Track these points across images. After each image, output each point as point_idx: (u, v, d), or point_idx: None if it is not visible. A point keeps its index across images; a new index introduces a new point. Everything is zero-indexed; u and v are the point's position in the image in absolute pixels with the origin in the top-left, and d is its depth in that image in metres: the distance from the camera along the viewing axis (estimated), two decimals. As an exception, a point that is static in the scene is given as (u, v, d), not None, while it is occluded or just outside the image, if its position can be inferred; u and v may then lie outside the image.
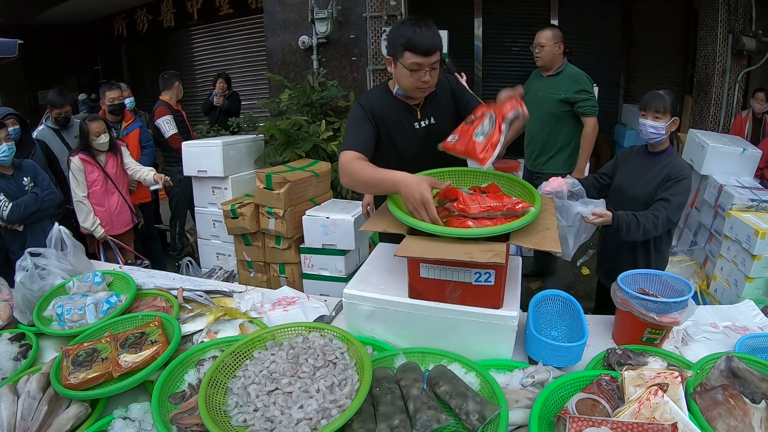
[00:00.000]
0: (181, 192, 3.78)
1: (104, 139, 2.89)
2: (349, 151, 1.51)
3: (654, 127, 1.84)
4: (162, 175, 3.09)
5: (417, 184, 1.25)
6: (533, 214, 1.24)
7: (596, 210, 1.71)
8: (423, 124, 1.68)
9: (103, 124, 2.91)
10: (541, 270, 3.44)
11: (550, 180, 1.78)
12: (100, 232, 2.93)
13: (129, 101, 3.89)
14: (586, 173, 2.98)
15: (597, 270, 2.22)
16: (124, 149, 3.12)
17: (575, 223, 1.73)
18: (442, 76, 1.71)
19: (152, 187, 3.05)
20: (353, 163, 1.47)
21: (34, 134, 3.23)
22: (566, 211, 1.72)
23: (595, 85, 4.31)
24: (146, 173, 3.06)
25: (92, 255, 2.46)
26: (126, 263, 2.62)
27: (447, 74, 1.78)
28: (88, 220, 2.90)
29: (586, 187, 1.90)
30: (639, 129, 1.90)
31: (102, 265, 2.06)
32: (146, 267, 2.35)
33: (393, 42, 1.52)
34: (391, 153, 1.70)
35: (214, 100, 4.49)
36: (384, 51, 4.08)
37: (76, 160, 2.85)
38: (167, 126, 3.62)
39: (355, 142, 1.55)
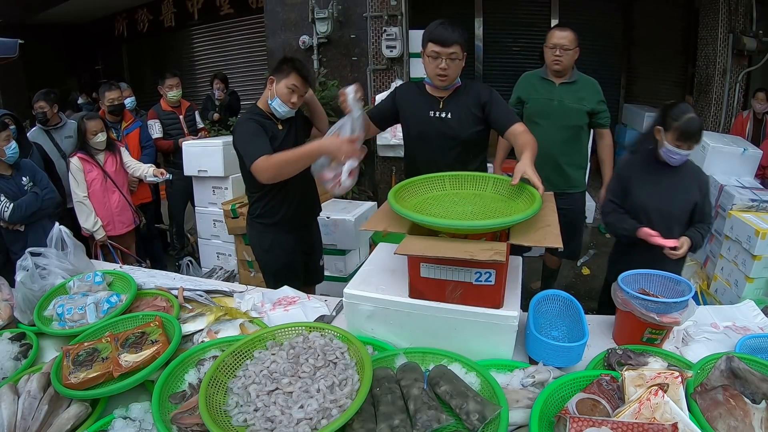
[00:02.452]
0: (172, 192, 3.81)
1: (101, 137, 2.88)
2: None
3: (688, 155, 1.79)
4: (162, 170, 3.11)
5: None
6: (534, 210, 1.24)
7: (672, 242, 1.77)
8: (440, 115, 1.88)
9: (101, 123, 2.91)
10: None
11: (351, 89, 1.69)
12: (101, 234, 2.90)
13: (129, 101, 3.88)
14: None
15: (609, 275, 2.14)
16: (123, 149, 3.12)
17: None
18: (483, 87, 1.91)
19: (151, 179, 3.07)
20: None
21: (28, 135, 3.22)
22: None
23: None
24: (146, 169, 3.07)
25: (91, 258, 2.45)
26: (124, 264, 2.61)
27: (490, 87, 1.94)
28: (89, 221, 2.88)
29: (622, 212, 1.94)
30: (664, 153, 1.81)
31: (102, 265, 2.06)
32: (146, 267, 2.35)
33: (423, 38, 1.79)
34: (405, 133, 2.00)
35: (216, 95, 4.54)
36: (384, 51, 4.08)
37: (75, 160, 2.84)
38: (150, 130, 3.69)
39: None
